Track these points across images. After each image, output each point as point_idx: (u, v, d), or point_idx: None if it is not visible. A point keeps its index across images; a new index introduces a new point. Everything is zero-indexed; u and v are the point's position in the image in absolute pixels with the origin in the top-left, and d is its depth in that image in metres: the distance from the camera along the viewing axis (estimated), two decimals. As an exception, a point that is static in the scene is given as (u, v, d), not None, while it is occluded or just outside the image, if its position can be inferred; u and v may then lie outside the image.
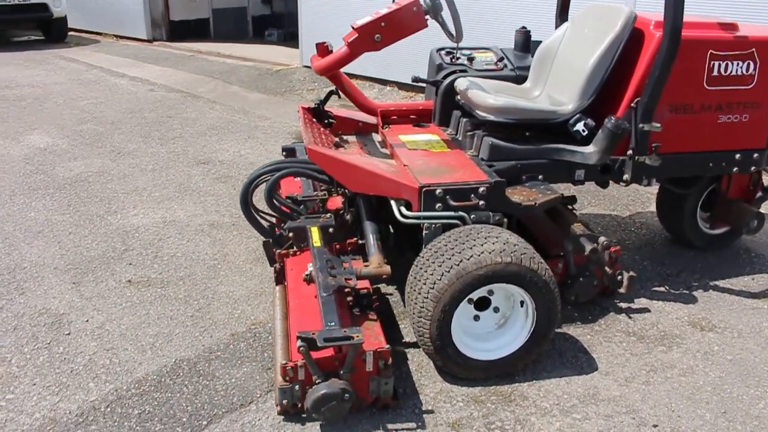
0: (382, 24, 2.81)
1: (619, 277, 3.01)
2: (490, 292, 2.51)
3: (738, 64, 2.99)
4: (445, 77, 3.38)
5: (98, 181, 4.54)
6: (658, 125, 2.90)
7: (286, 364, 2.20)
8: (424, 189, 2.60)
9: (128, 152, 5.19)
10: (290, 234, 2.95)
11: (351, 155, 2.78)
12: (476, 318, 2.56)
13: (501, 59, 3.52)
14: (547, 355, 2.71)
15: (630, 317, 3.04)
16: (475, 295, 2.47)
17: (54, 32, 10.69)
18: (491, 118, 2.92)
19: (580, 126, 2.93)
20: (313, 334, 2.16)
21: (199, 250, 3.60)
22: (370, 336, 2.48)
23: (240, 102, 6.99)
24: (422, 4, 2.82)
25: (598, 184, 3.25)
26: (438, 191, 2.60)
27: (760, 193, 3.60)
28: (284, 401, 2.24)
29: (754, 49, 2.98)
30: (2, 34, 11.13)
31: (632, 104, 2.88)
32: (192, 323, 2.90)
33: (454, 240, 2.45)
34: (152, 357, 2.65)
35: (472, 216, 2.66)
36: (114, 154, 5.13)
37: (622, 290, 3.04)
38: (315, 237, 2.86)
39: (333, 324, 2.26)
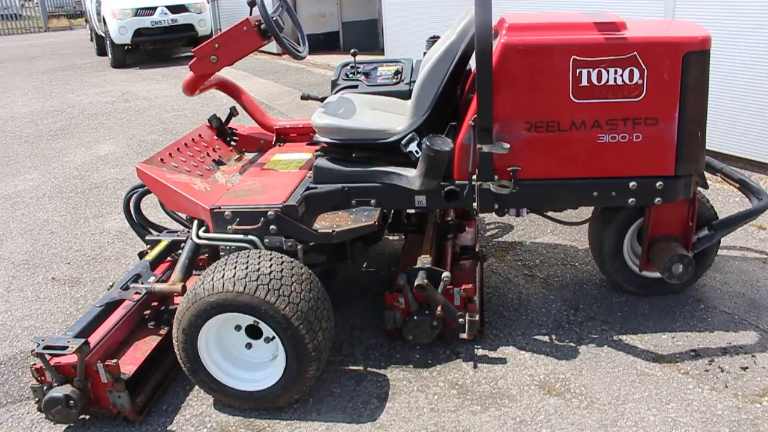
0: (216, 45, 2.86)
1: (461, 320, 2.68)
2: (257, 321, 2.41)
3: (616, 71, 2.46)
4: (336, 93, 3.28)
5: (115, 188, 5.15)
6: (506, 146, 2.52)
7: (33, 365, 2.37)
8: (214, 210, 2.59)
9: (163, 161, 5.78)
10: (148, 247, 3.14)
11: (170, 174, 2.84)
12: (248, 346, 2.48)
13: (397, 73, 3.30)
14: (338, 395, 2.52)
15: (476, 367, 2.66)
16: (241, 321, 2.41)
17: (200, 50, 12.22)
18: (320, 138, 2.79)
19: (412, 147, 2.67)
20: (43, 339, 2.32)
21: (133, 255, 3.93)
22: (138, 350, 2.56)
23: (305, 114, 7.29)
24: (253, 24, 2.80)
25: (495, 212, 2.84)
26: (226, 213, 2.57)
27: (705, 231, 2.89)
28: (37, 399, 2.41)
29: (635, 53, 2.43)
30: (164, 52, 12.99)
31: (471, 122, 2.54)
32: (63, 320, 3.21)
33: (215, 265, 2.41)
34: (6, 347, 3.01)
35: (265, 240, 2.58)
36: (150, 162, 5.75)
37: (463, 335, 2.70)
38: (154, 251, 3.00)
39: (70, 333, 2.38)
